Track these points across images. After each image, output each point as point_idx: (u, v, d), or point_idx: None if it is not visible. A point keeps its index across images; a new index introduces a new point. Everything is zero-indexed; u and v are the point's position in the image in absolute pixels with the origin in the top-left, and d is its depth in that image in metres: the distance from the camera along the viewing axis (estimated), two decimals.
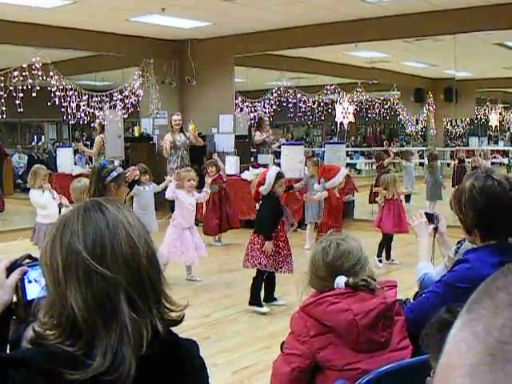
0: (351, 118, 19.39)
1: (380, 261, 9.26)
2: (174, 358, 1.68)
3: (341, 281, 2.87)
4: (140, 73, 14.48)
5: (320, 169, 8.90)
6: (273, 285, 7.26)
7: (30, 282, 1.92)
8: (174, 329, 1.72)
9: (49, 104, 13.61)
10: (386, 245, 9.40)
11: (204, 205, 10.85)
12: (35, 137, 24.76)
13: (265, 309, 7.02)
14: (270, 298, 7.26)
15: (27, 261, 1.98)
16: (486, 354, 0.54)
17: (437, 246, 3.68)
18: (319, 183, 8.79)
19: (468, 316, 0.58)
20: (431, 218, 3.65)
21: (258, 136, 14.15)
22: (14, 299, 1.91)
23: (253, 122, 15.64)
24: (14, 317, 1.90)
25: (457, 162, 15.02)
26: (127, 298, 1.57)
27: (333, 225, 8.13)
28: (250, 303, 7.07)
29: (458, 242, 3.43)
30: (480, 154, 15.35)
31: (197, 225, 11.79)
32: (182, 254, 8.02)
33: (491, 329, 0.55)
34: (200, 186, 12.37)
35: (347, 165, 16.86)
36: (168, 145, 12.84)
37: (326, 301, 2.82)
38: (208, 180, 9.41)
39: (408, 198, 13.98)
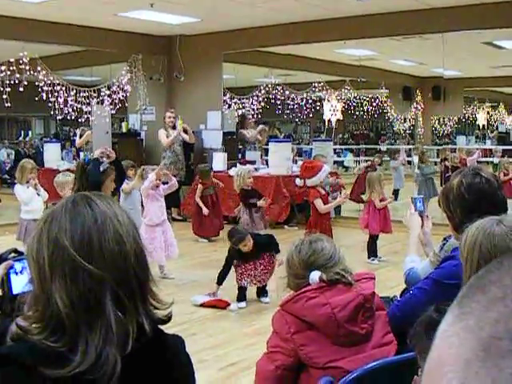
0: (339, 116, 19.42)
1: (373, 259, 9.29)
2: (160, 354, 1.67)
3: (315, 276, 2.90)
4: (128, 68, 14.45)
5: (302, 166, 8.83)
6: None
7: (16, 274, 1.91)
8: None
9: (36, 99, 13.57)
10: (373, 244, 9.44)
11: (197, 204, 10.89)
12: (22, 132, 24.67)
13: (233, 306, 7.07)
14: (260, 293, 7.27)
15: (13, 255, 1.97)
16: (479, 349, 0.53)
17: (420, 246, 3.69)
18: (301, 178, 8.75)
19: (459, 310, 0.58)
20: (416, 202, 3.68)
21: (247, 133, 14.15)
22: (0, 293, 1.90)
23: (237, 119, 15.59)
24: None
25: (444, 162, 15.04)
26: (113, 296, 1.55)
27: (321, 222, 8.11)
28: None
29: (444, 239, 3.45)
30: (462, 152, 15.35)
31: (185, 220, 11.87)
32: (150, 254, 7.72)
33: (484, 323, 0.54)
34: (187, 182, 12.43)
35: (335, 162, 16.90)
36: (164, 138, 12.90)
37: (304, 296, 2.84)
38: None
39: (396, 195, 14.02)
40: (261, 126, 14.38)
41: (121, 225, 1.62)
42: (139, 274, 1.62)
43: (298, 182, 9.16)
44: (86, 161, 6.25)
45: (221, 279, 7.08)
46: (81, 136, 14.19)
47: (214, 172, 11.73)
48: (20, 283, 1.86)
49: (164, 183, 8.57)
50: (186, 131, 13.28)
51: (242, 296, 7.14)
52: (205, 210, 10.70)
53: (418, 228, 3.61)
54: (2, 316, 1.88)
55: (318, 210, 7.98)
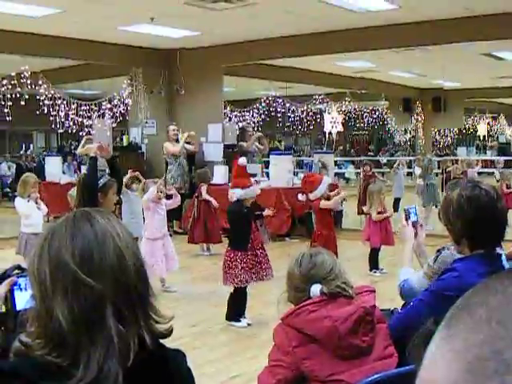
0: (340, 128, 19.44)
1: (375, 271, 9.29)
2: (162, 368, 1.68)
3: (316, 289, 2.90)
4: (129, 82, 14.49)
5: (302, 180, 8.83)
6: (244, 303, 7.04)
7: (20, 290, 1.91)
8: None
9: (37, 112, 13.61)
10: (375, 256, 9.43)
11: (192, 214, 10.85)
12: (24, 145, 24.71)
13: (243, 323, 6.89)
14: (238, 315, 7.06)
15: (16, 271, 1.97)
16: (465, 371, 0.54)
17: (414, 257, 3.70)
18: (302, 194, 8.76)
19: (447, 332, 0.59)
20: (410, 212, 3.70)
21: (245, 143, 14.15)
22: (3, 310, 1.91)
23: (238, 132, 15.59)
24: (3, 328, 1.90)
25: (445, 173, 15.07)
26: (114, 310, 1.56)
27: (326, 234, 8.10)
28: (227, 318, 6.93)
29: (438, 251, 3.45)
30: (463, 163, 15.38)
31: (186, 233, 11.85)
32: (152, 267, 7.58)
33: (470, 345, 0.55)
34: (189, 195, 12.41)
35: (335, 174, 16.90)
36: (171, 147, 12.91)
37: (305, 310, 2.84)
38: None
39: (397, 205, 13.98)
40: (257, 134, 14.37)
41: (120, 240, 1.64)
42: (140, 288, 1.63)
43: (301, 197, 9.18)
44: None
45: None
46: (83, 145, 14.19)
47: (215, 185, 11.72)
48: (24, 299, 1.87)
49: (168, 198, 8.58)
50: (188, 142, 13.29)
51: (235, 315, 6.93)
52: (214, 202, 10.65)
53: (412, 239, 3.63)
54: (5, 332, 1.89)
55: (326, 208, 7.93)
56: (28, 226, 8.14)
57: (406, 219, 3.70)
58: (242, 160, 7.39)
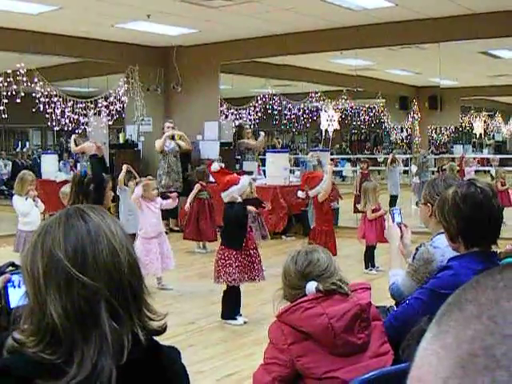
0: (336, 126, 19.41)
1: (370, 269, 9.30)
2: (156, 365, 1.67)
3: (311, 286, 2.90)
4: (125, 79, 14.47)
5: (303, 177, 8.87)
6: (238, 301, 7.03)
7: (14, 288, 1.91)
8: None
9: (33, 110, 13.58)
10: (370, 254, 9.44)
11: (188, 210, 10.83)
12: (20, 143, 24.67)
13: (239, 321, 6.88)
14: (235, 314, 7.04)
15: (10, 268, 1.97)
16: (456, 366, 0.54)
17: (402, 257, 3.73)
18: (303, 190, 8.78)
19: (437, 328, 0.58)
20: (394, 214, 3.75)
21: (250, 141, 14.16)
22: None
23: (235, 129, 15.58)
24: None
25: (441, 170, 15.07)
26: (108, 307, 1.55)
27: (325, 230, 8.12)
28: (222, 317, 6.92)
29: (416, 248, 3.47)
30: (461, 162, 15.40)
31: (183, 231, 11.86)
32: (146, 266, 7.61)
33: (461, 341, 0.55)
34: (185, 193, 12.40)
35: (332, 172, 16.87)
36: (157, 142, 12.91)
37: (301, 307, 2.84)
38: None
39: (394, 202, 13.98)
40: (262, 135, 14.40)
41: (114, 236, 1.63)
42: (133, 285, 1.63)
43: (301, 194, 9.20)
44: (84, 173, 6.25)
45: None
46: (75, 142, 14.07)
47: (211, 183, 11.71)
48: (18, 297, 1.86)
49: (165, 198, 8.58)
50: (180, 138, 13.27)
51: (231, 314, 6.94)
52: (187, 206, 10.63)
53: (398, 238, 3.65)
54: None
55: (326, 190, 7.96)
56: (26, 224, 8.12)
57: (393, 220, 3.74)
58: (215, 165, 7.40)
